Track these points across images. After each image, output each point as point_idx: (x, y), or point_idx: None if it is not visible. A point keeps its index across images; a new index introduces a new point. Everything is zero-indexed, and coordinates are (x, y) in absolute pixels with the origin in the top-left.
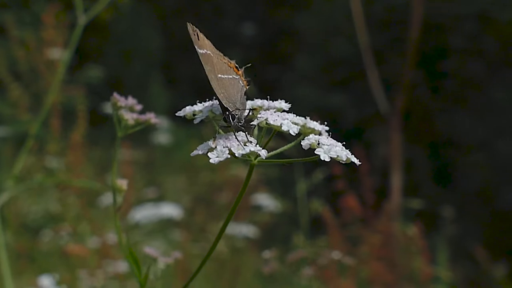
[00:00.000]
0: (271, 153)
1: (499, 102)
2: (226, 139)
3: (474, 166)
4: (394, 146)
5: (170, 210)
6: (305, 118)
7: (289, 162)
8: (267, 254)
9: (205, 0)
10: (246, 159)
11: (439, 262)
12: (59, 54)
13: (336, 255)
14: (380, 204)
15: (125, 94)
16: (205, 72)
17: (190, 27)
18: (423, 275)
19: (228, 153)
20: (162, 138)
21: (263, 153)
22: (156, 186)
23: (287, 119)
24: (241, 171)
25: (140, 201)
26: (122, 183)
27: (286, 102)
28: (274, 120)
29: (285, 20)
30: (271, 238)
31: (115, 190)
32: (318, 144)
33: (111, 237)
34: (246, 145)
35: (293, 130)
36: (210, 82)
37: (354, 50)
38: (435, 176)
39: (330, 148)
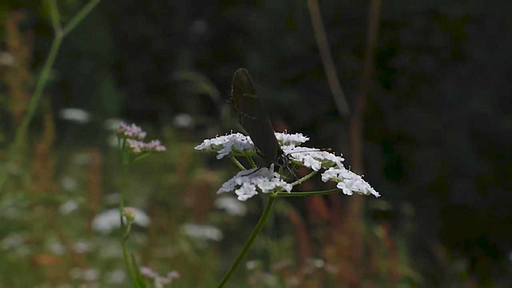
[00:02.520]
0: (293, 183)
1: (450, 97)
2: (251, 175)
3: (426, 161)
4: (354, 146)
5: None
6: (321, 150)
7: (310, 195)
8: (251, 265)
9: None
10: (270, 193)
11: (400, 260)
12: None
13: (319, 263)
14: (344, 204)
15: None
16: (251, 119)
17: (244, 74)
18: (391, 275)
19: (255, 190)
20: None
21: (288, 187)
22: (116, 190)
23: (309, 154)
24: (209, 176)
25: (103, 207)
26: (131, 211)
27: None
28: (296, 156)
29: (236, 18)
30: (235, 240)
31: (124, 218)
32: (337, 176)
33: (79, 246)
34: (271, 181)
35: (315, 166)
36: (252, 127)
37: (305, 48)
38: (388, 172)
39: (351, 182)
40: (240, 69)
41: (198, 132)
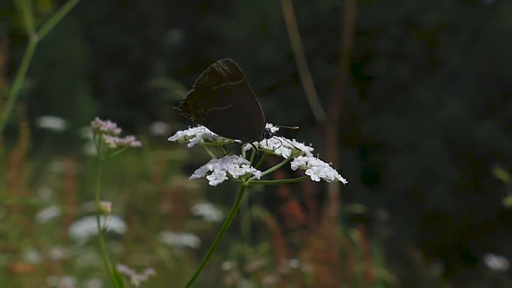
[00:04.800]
0: (263, 173)
1: (424, 104)
2: (222, 162)
3: (402, 168)
4: (330, 153)
5: (111, 223)
6: (291, 140)
7: (280, 183)
8: (227, 265)
9: (129, 8)
10: (239, 180)
11: (376, 265)
12: None
13: (295, 263)
14: (321, 209)
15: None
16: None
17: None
18: (367, 278)
19: (226, 175)
20: (94, 149)
21: (258, 174)
22: (92, 198)
23: (278, 142)
24: (185, 182)
25: (80, 215)
26: (106, 206)
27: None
28: (266, 144)
29: (212, 27)
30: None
31: (99, 213)
32: (306, 164)
33: (55, 253)
34: (241, 167)
35: (286, 154)
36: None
37: (281, 57)
38: (364, 178)
39: (319, 169)
40: (222, 60)
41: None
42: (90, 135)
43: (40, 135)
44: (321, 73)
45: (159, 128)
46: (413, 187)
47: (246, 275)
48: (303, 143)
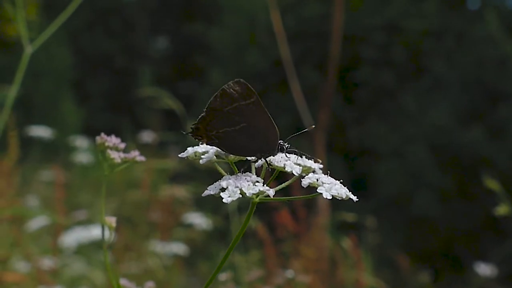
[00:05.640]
0: (275, 188)
1: (410, 110)
2: (235, 179)
3: (388, 174)
4: (319, 159)
5: (100, 232)
6: (301, 157)
7: (291, 199)
8: (223, 276)
9: (114, 15)
10: (252, 198)
11: (365, 272)
12: None
13: (290, 273)
14: (311, 218)
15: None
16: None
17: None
18: (358, 286)
19: (240, 193)
20: (82, 157)
21: (271, 192)
22: (80, 207)
23: (289, 159)
24: (176, 191)
25: (69, 224)
26: (112, 221)
27: None
28: (278, 162)
29: (198, 34)
30: (201, 255)
31: (104, 227)
32: (317, 181)
33: (44, 262)
34: (255, 185)
35: (296, 171)
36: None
37: (267, 63)
38: (351, 185)
39: (330, 187)
40: (233, 80)
41: (162, 148)
42: (77, 143)
43: (26, 144)
44: (308, 79)
45: (146, 136)
46: (399, 193)
47: (237, 284)
48: (313, 160)
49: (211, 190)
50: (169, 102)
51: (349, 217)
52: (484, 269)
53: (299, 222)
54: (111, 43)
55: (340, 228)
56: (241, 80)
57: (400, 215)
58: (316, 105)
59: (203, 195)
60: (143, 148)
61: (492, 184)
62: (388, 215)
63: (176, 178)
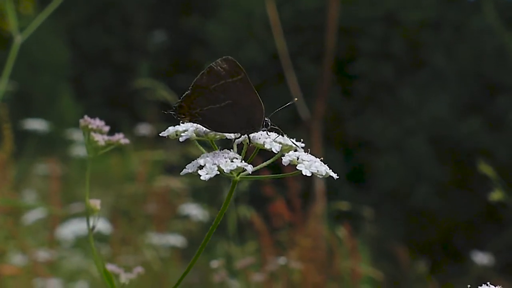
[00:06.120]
0: (255, 168)
1: (409, 102)
2: (213, 156)
3: (387, 167)
4: (316, 151)
5: (98, 224)
6: (283, 136)
7: (271, 178)
8: (215, 263)
9: (112, 9)
10: (230, 175)
11: (363, 262)
12: None
13: (283, 260)
14: (307, 207)
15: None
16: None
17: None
18: (354, 275)
19: (217, 170)
20: (79, 151)
21: (249, 168)
22: (77, 200)
23: (269, 137)
24: (171, 182)
25: (67, 216)
26: (96, 204)
27: None
28: (257, 139)
29: (195, 28)
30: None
31: (88, 211)
32: (297, 159)
33: (41, 255)
34: (233, 161)
35: (276, 149)
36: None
37: (265, 56)
38: (349, 177)
39: (310, 164)
40: (221, 58)
41: (158, 140)
42: (74, 136)
43: (23, 137)
44: (305, 72)
45: (143, 128)
46: (398, 185)
47: (233, 274)
48: (295, 139)
49: (189, 168)
50: (164, 93)
51: (343, 205)
52: (482, 258)
53: (295, 211)
54: (109, 38)
55: (338, 219)
56: (230, 57)
57: (399, 208)
58: (313, 98)
59: (181, 173)
60: (140, 141)
61: (485, 169)
62: (387, 207)
63: (172, 170)
